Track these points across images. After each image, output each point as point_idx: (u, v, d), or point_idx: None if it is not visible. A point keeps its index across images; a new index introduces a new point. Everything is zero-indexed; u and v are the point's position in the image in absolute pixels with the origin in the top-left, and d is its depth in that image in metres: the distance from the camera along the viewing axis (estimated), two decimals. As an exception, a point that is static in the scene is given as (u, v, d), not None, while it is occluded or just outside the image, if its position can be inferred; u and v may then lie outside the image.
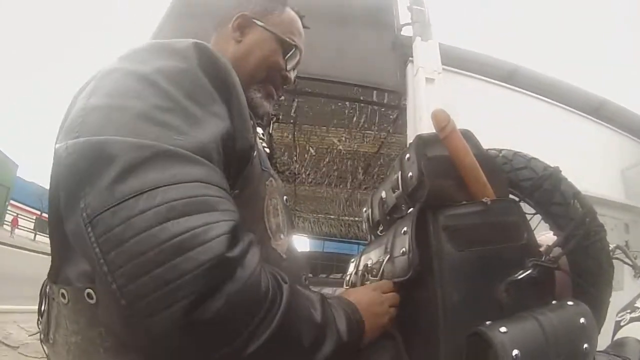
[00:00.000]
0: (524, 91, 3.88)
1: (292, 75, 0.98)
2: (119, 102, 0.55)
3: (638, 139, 4.56)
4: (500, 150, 0.99)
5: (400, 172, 0.86)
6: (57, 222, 0.57)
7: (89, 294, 0.54)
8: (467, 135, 0.83)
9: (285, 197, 0.85)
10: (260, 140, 0.85)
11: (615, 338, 1.56)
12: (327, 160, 6.57)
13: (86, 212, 0.47)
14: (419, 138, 0.83)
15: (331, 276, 6.57)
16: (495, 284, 0.69)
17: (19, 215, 25.66)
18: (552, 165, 0.96)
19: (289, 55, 0.96)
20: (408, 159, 0.84)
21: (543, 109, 3.90)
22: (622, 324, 1.66)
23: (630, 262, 1.94)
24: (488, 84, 3.77)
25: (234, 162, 0.63)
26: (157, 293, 0.44)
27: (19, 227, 24.32)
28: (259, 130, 0.89)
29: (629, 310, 1.71)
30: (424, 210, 0.75)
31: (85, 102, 0.57)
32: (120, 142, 0.50)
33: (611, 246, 1.87)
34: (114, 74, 0.60)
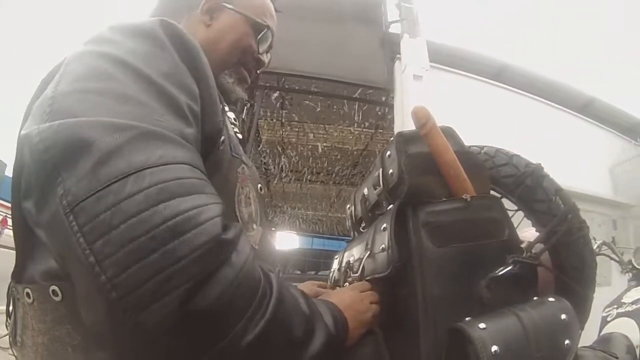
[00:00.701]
0: (513, 88, 3.90)
1: (265, 58, 0.96)
2: (92, 85, 0.52)
3: (626, 136, 4.61)
4: (483, 147, 0.99)
5: (381, 169, 0.86)
6: (21, 217, 0.55)
7: (54, 291, 0.52)
8: (449, 132, 0.83)
9: (259, 186, 0.83)
10: (232, 126, 0.81)
11: (602, 333, 1.57)
12: (315, 156, 6.60)
13: (66, 200, 0.43)
14: (400, 135, 0.83)
15: (319, 273, 6.58)
16: (476, 280, 0.68)
17: (8, 215, 25.38)
18: (538, 162, 0.96)
19: (260, 36, 0.92)
20: (389, 155, 0.83)
21: (531, 106, 3.94)
22: (608, 319, 1.67)
23: (617, 258, 1.96)
24: (476, 81, 3.79)
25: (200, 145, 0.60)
26: (152, 282, 0.41)
27: (8, 227, 24.08)
28: (231, 114, 0.85)
29: (615, 306, 1.73)
30: (403, 207, 0.75)
31: (54, 88, 0.52)
32: (100, 122, 0.47)
33: (598, 242, 1.88)
34: (83, 58, 0.57)
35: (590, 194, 3.68)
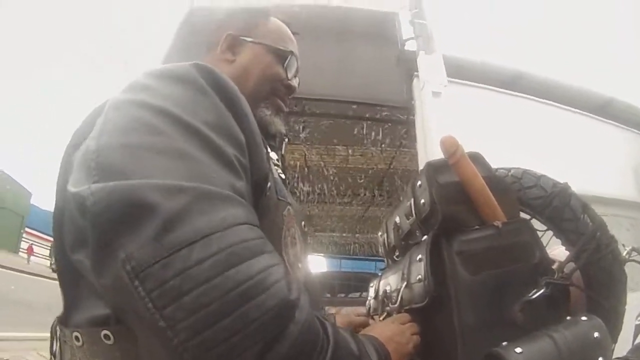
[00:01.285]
0: (529, 96, 3.88)
1: (294, 82, 0.95)
2: (137, 139, 0.51)
3: (649, 135, 4.51)
4: (510, 170, 1.01)
5: (412, 199, 0.88)
6: (68, 265, 0.56)
7: (105, 335, 0.53)
8: (476, 157, 0.85)
9: (303, 223, 0.82)
10: (275, 167, 0.81)
11: (636, 342, 1.56)
12: (339, 178, 6.56)
13: (130, 265, 0.43)
14: (429, 165, 0.85)
15: (349, 295, 6.48)
16: (510, 305, 0.71)
17: (35, 243, 25.92)
18: (565, 181, 0.98)
19: (286, 62, 0.91)
20: (420, 185, 0.86)
21: (549, 113, 3.89)
22: (642, 326, 1.65)
23: (649, 263, 1.93)
24: (493, 91, 3.77)
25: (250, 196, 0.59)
26: (225, 344, 0.42)
27: (35, 254, 24.58)
28: (273, 156, 0.84)
29: (648, 313, 1.70)
30: (437, 237, 0.77)
31: (96, 140, 0.52)
32: (157, 185, 0.46)
33: (627, 249, 1.87)
34: (122, 108, 0.56)
35: (616, 198, 3.61)
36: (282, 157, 0.92)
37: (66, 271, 0.59)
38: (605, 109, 4.22)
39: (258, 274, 0.46)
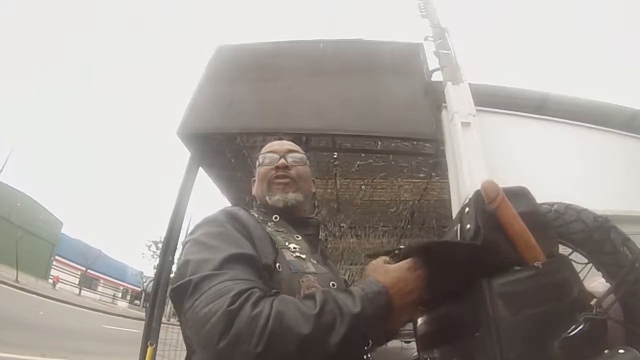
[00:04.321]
0: (557, 119, 3.86)
1: (281, 162, 1.26)
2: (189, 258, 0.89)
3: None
4: (553, 204, 1.05)
5: (459, 224, 0.92)
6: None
7: None
8: (522, 193, 0.90)
9: (331, 283, 1.02)
10: (292, 252, 1.04)
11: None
12: (371, 211, 6.57)
13: None
14: (478, 194, 0.88)
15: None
16: (550, 342, 0.73)
17: (64, 270, 26.52)
18: (605, 215, 1.00)
19: (262, 160, 1.30)
20: (467, 212, 0.90)
21: (577, 133, 3.86)
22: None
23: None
24: (521, 117, 3.77)
25: (263, 272, 0.90)
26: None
27: (63, 281, 25.12)
28: (291, 245, 1.06)
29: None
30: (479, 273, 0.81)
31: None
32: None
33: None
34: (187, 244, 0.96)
35: (647, 215, 3.53)
36: (315, 240, 1.22)
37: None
38: (631, 123, 4.15)
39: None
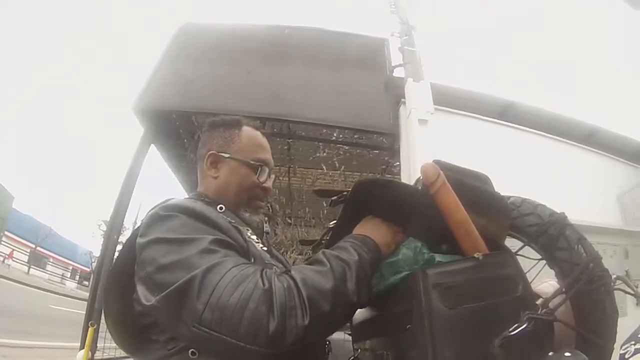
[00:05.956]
0: (517, 126, 3.93)
1: (268, 184, 1.16)
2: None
3: (632, 163, 4.59)
4: (509, 197, 1.01)
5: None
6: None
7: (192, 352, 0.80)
8: (475, 176, 0.90)
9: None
10: (257, 243, 1.04)
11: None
12: (321, 203, 6.50)
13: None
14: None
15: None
16: (490, 340, 0.68)
17: (12, 246, 25.52)
18: (562, 211, 0.97)
19: (258, 173, 1.12)
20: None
21: (536, 142, 3.95)
22: (627, 356, 1.63)
23: (633, 292, 1.92)
24: (481, 120, 3.82)
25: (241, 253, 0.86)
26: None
27: (14, 259, 24.18)
28: (254, 237, 1.07)
29: (633, 342, 1.68)
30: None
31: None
32: None
33: (613, 276, 1.85)
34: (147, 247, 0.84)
35: (601, 226, 3.64)
36: (266, 238, 1.14)
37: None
38: (590, 138, 4.29)
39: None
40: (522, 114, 4.04)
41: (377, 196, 0.90)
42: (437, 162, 0.84)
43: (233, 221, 0.98)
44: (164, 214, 0.87)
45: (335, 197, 1.02)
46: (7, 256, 24.07)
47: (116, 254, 3.48)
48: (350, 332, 1.20)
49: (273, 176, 1.20)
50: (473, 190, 0.84)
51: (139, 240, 0.86)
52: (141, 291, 0.81)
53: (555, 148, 4.04)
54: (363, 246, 0.85)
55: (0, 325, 7.86)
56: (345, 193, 0.98)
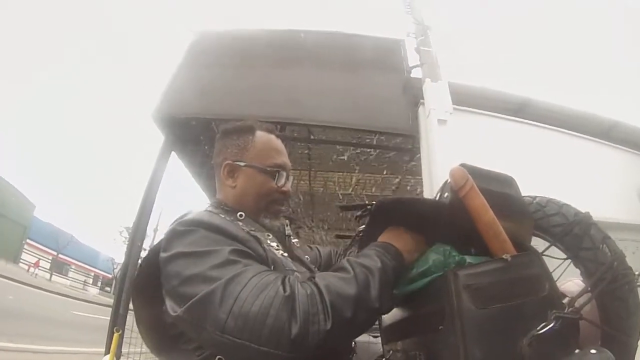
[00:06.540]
0: (535, 123, 3.88)
1: (287, 187, 1.16)
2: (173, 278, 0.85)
3: (653, 157, 4.48)
4: (535, 197, 1.02)
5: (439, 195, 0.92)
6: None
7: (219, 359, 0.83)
8: (502, 180, 0.91)
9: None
10: (277, 250, 1.02)
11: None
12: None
13: None
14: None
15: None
16: (518, 338, 0.70)
17: (35, 255, 25.95)
18: (587, 211, 0.98)
19: (276, 179, 1.13)
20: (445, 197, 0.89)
21: (555, 138, 3.89)
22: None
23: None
24: (499, 119, 3.78)
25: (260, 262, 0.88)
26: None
27: (40, 268, 24.60)
28: (273, 243, 1.04)
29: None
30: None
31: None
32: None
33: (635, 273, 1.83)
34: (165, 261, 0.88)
35: (622, 222, 3.57)
36: (289, 242, 1.15)
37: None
38: (609, 133, 4.21)
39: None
40: (539, 110, 3.97)
41: (401, 213, 0.94)
42: (463, 165, 0.85)
43: (253, 229, 1.00)
44: (182, 229, 0.90)
45: (359, 212, 1.03)
46: (32, 265, 24.50)
47: (139, 260, 3.55)
48: (375, 335, 1.21)
49: (291, 178, 1.20)
50: (498, 194, 0.85)
51: (162, 255, 0.89)
52: (169, 303, 0.85)
53: (573, 144, 3.98)
54: (386, 253, 0.88)
55: (22, 330, 8.02)
56: (369, 207, 0.99)
